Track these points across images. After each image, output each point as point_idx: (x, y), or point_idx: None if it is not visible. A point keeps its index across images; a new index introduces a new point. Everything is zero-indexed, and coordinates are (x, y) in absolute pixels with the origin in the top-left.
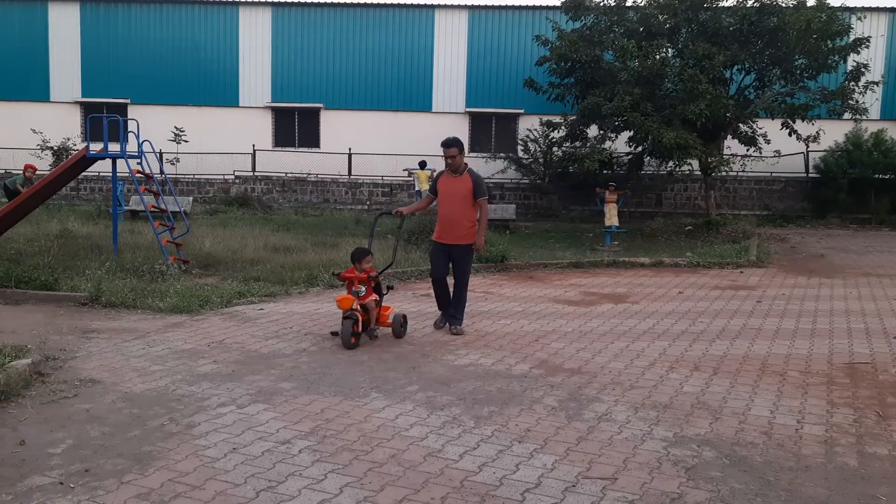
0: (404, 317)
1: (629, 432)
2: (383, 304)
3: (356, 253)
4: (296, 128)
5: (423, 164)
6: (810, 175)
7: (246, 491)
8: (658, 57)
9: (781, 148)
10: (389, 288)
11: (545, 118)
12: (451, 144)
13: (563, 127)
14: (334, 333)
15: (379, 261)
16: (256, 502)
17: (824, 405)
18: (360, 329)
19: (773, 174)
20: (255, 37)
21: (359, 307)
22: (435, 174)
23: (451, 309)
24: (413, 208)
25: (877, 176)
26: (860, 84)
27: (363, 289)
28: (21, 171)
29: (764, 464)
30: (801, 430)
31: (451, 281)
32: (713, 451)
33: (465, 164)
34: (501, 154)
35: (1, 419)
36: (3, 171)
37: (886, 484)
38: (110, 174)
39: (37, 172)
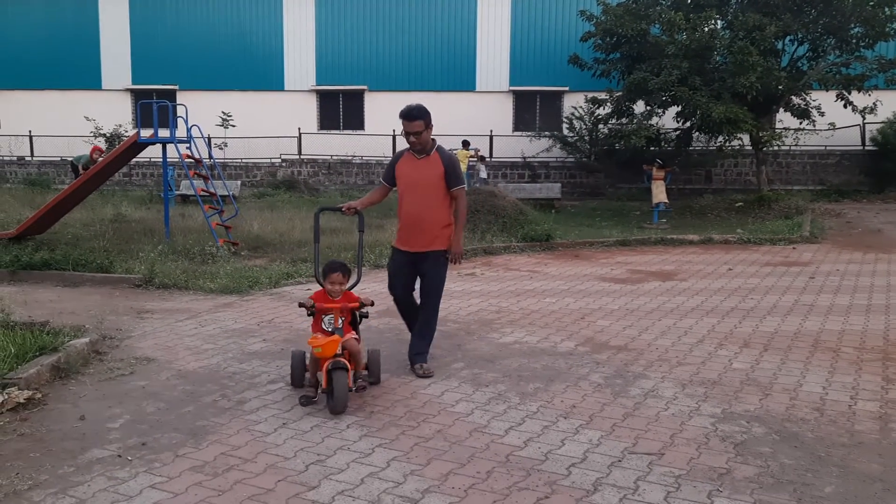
0: (378, 353)
1: (676, 408)
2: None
3: (327, 268)
4: (340, 110)
5: (465, 144)
6: (867, 148)
7: (296, 464)
8: (707, 29)
9: (836, 120)
10: (363, 316)
11: (590, 95)
12: (414, 116)
13: (608, 103)
14: (309, 400)
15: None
16: (306, 475)
17: (879, 381)
18: (352, 382)
19: (828, 147)
20: (299, 20)
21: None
22: (394, 155)
23: (415, 340)
24: (367, 201)
25: None
26: None
27: (339, 322)
28: (88, 153)
29: (815, 440)
30: (855, 406)
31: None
32: (763, 426)
33: (433, 141)
34: (546, 132)
35: (62, 395)
36: (59, 159)
37: None
38: (161, 159)
39: (102, 153)
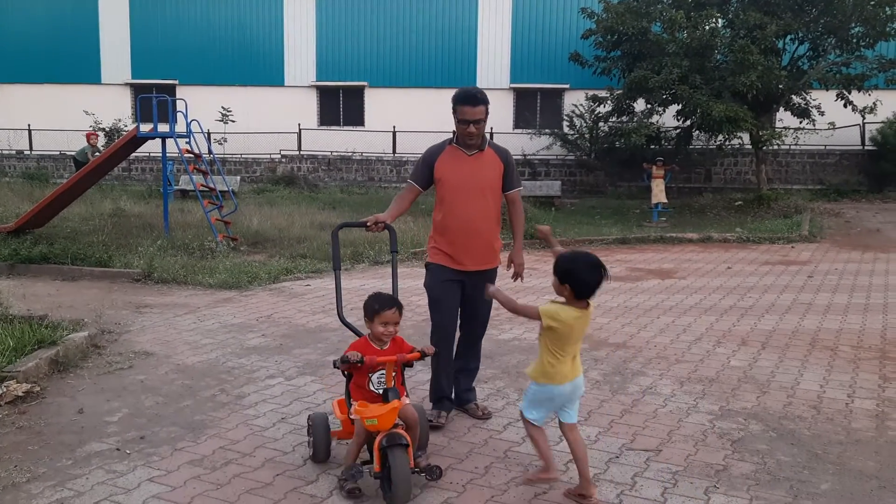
0: (423, 411)
1: (674, 405)
2: None
3: (378, 304)
4: (340, 106)
5: None
6: (866, 148)
7: (294, 458)
8: (707, 27)
9: (836, 120)
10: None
11: (591, 93)
12: (479, 99)
13: (609, 101)
14: (355, 493)
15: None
16: (304, 469)
17: (876, 380)
18: (412, 460)
19: (828, 147)
20: (299, 16)
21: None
22: (431, 149)
23: (463, 377)
24: (396, 212)
25: None
26: None
27: (392, 381)
28: (86, 142)
29: (812, 437)
30: (852, 404)
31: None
32: (760, 424)
33: (487, 135)
34: (546, 130)
35: (61, 389)
36: (58, 153)
37: None
38: (160, 154)
39: (99, 138)
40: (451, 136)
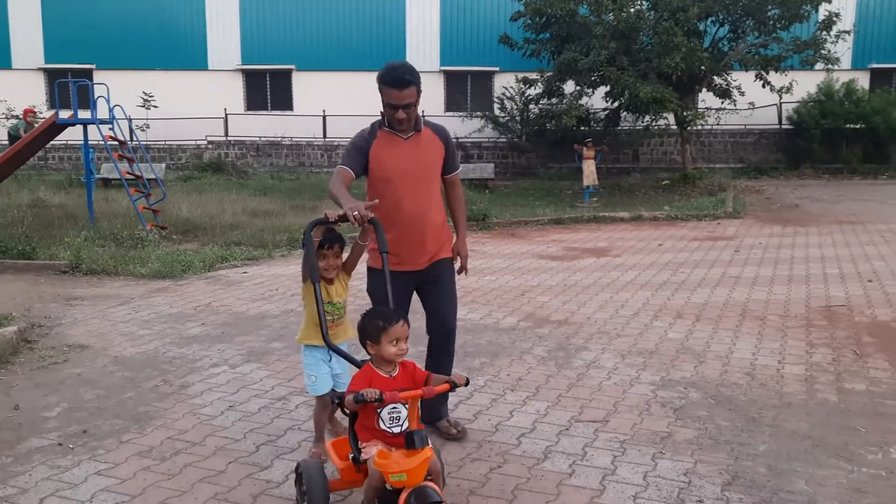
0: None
1: (618, 378)
2: None
3: (379, 320)
4: (268, 91)
5: None
6: (783, 127)
7: (246, 445)
8: (633, 10)
9: (755, 100)
10: None
11: (521, 75)
12: (406, 80)
13: (539, 84)
14: None
15: None
16: (257, 455)
17: (804, 346)
18: None
19: (747, 126)
20: None
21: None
22: (361, 135)
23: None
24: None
25: (848, 126)
26: (832, 33)
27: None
28: (21, 118)
29: (748, 402)
30: (783, 370)
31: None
32: (699, 392)
33: (420, 114)
34: (478, 113)
35: None
36: None
37: (865, 417)
38: (78, 142)
39: (37, 116)
40: (379, 118)
